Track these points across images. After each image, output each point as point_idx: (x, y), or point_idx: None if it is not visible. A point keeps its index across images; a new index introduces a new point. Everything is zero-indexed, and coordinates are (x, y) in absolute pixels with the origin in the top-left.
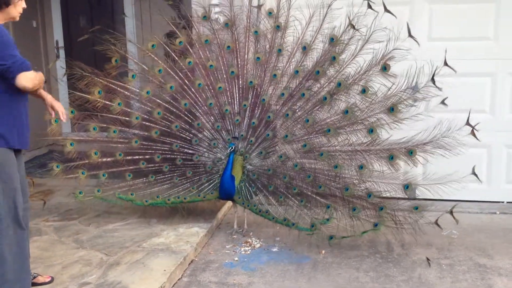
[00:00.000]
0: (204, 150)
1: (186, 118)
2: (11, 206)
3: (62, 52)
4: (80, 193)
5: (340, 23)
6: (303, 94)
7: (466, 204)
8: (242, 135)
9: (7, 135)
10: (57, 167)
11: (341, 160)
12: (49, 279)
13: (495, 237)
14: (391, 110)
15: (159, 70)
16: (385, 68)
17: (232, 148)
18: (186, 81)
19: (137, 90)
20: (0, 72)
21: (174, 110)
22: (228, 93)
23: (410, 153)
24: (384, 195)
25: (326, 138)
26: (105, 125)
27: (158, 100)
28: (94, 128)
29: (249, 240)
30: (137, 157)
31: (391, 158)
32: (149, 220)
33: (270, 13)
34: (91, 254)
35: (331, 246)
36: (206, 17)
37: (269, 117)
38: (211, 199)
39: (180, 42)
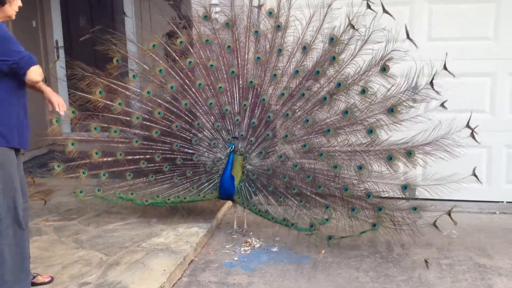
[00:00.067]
0: (204, 150)
1: (186, 118)
2: (11, 206)
3: (62, 52)
4: (80, 192)
5: (340, 23)
6: (303, 94)
7: (466, 204)
8: (242, 135)
9: (7, 135)
10: (58, 166)
11: (341, 160)
12: (48, 279)
13: (495, 237)
14: (391, 111)
15: (160, 70)
16: (384, 69)
17: (232, 148)
18: (186, 81)
19: (138, 90)
20: (11, 69)
21: (175, 110)
22: (228, 93)
23: (409, 154)
24: (384, 196)
25: (325, 138)
26: (106, 125)
27: (159, 100)
28: (95, 128)
29: (249, 240)
30: (137, 156)
31: (389, 159)
32: (149, 220)
33: (270, 13)
34: (91, 254)
35: (330, 246)
36: (207, 17)
37: (269, 117)
38: (211, 199)
39: (181, 42)
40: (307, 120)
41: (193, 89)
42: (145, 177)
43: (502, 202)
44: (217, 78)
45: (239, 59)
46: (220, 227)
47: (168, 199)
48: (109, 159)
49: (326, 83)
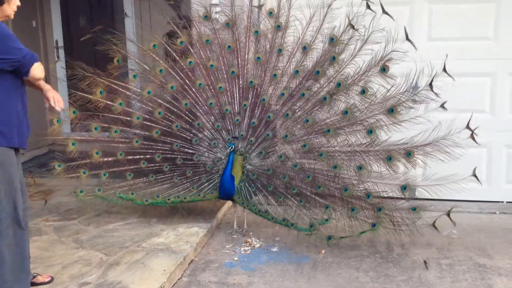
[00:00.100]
0: (204, 149)
1: (186, 118)
2: (11, 206)
3: (62, 52)
4: (81, 192)
5: (340, 23)
6: (303, 94)
7: (466, 204)
8: (242, 135)
9: (8, 134)
10: (58, 166)
11: (340, 160)
12: (48, 279)
13: (494, 237)
14: (391, 111)
15: (160, 70)
16: (384, 70)
17: (232, 148)
18: (187, 81)
19: (139, 90)
20: (13, 67)
21: (175, 110)
22: (229, 93)
23: (408, 154)
24: (383, 196)
25: (325, 138)
26: (106, 125)
27: (159, 100)
28: (95, 128)
29: (249, 240)
30: (138, 156)
31: (389, 159)
32: (149, 220)
33: (270, 13)
34: (91, 254)
35: (330, 246)
36: (207, 17)
37: (269, 117)
38: (211, 198)
39: (181, 42)
40: (307, 120)
41: (193, 89)
42: (145, 177)
43: (502, 202)
44: (217, 78)
45: (239, 59)
46: (220, 227)
47: (168, 199)
48: (110, 159)
49: (326, 83)
